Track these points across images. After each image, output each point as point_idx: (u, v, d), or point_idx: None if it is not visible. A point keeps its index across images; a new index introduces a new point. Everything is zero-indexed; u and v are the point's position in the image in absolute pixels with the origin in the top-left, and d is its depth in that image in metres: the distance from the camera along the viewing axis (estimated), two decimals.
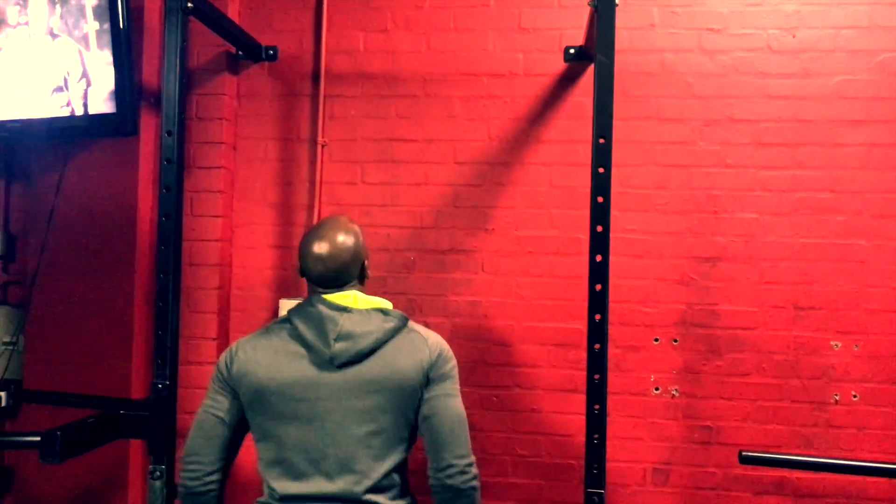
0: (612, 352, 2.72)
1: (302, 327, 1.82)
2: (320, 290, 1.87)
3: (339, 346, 1.78)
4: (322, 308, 1.82)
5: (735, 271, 2.74)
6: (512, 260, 2.84)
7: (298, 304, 1.89)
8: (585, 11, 2.30)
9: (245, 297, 2.94)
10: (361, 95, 2.93)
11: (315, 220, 2.88)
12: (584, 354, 2.13)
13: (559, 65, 2.83)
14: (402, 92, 2.90)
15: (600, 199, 2.11)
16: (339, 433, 1.78)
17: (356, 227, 1.92)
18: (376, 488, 1.78)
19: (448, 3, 2.87)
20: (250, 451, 1.90)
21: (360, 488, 1.76)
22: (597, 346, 2.09)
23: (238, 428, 1.87)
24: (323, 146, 2.91)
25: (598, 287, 2.10)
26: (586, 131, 2.21)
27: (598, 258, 2.10)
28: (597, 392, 2.08)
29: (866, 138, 2.70)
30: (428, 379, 1.84)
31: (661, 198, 2.78)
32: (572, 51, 2.80)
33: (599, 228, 2.11)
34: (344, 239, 1.86)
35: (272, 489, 1.81)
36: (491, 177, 2.87)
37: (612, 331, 2.71)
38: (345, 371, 1.79)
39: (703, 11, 2.78)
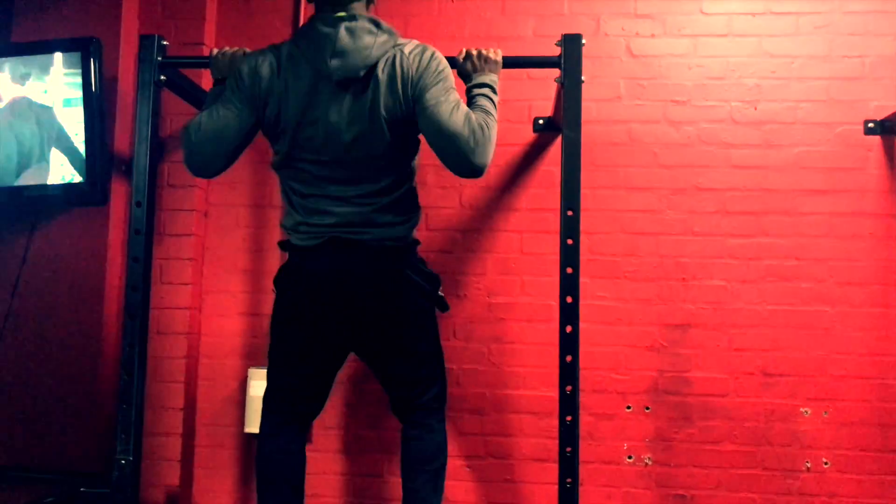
0: (585, 419, 2.71)
1: (302, 45, 1.94)
2: (325, 9, 1.96)
3: (335, 63, 1.88)
4: (319, 25, 1.92)
5: (705, 338, 2.76)
6: (484, 326, 2.84)
7: (300, 30, 2.00)
8: (554, 83, 2.36)
9: (213, 366, 2.89)
10: None
11: None
12: (556, 422, 2.12)
13: (529, 135, 2.88)
14: None
15: (570, 271, 2.13)
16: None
17: None
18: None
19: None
20: None
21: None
22: (568, 418, 2.09)
23: (246, 138, 2.06)
24: None
25: (569, 358, 2.11)
26: (556, 199, 2.25)
27: (569, 329, 2.12)
28: (569, 465, 2.07)
29: (828, 207, 2.76)
30: (414, 94, 1.93)
31: (631, 265, 2.81)
32: (541, 122, 2.86)
33: (569, 299, 2.13)
34: None
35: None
36: (463, 243, 2.89)
37: (585, 398, 2.71)
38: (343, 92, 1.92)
39: (667, 84, 2.87)
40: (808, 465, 2.69)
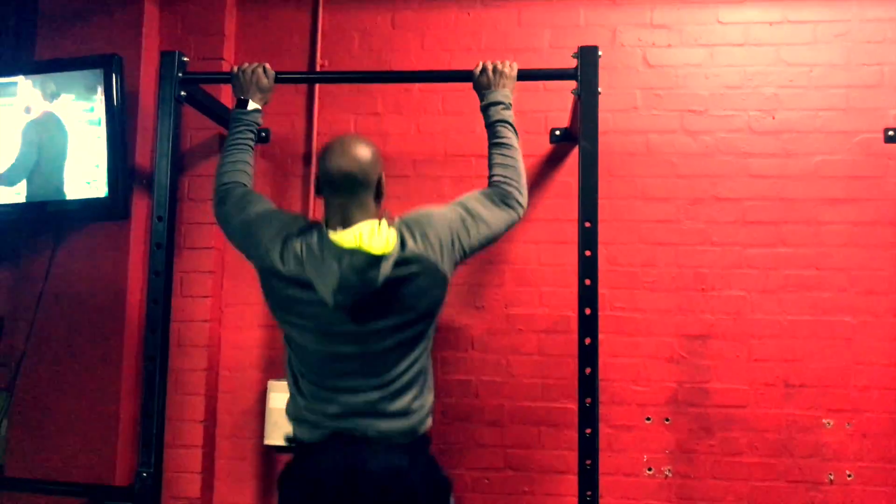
0: (605, 431, 2.69)
1: (310, 273, 1.80)
2: (333, 202, 1.85)
3: (339, 298, 1.77)
4: (325, 255, 1.78)
5: (725, 349, 2.74)
6: (502, 338, 2.84)
7: (308, 231, 1.86)
8: (570, 95, 2.36)
9: (233, 378, 2.91)
10: None
11: None
12: (576, 434, 2.11)
13: (545, 146, 2.89)
14: (393, 172, 2.94)
15: (588, 282, 2.13)
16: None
17: (373, 144, 1.91)
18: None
19: (437, 88, 2.94)
20: None
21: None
22: (588, 430, 2.08)
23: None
24: None
25: (588, 370, 2.10)
26: (573, 210, 2.25)
27: (588, 341, 2.12)
28: (588, 478, 2.06)
29: (848, 216, 2.74)
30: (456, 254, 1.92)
31: (649, 276, 2.80)
32: (558, 133, 2.86)
33: (588, 311, 2.13)
34: (362, 147, 1.86)
35: None
36: (481, 255, 2.85)
37: (604, 410, 2.70)
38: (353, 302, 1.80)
39: (684, 94, 2.86)
40: (832, 477, 2.66)
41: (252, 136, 2.22)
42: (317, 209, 2.95)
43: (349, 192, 1.83)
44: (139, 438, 2.23)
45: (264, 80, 2.26)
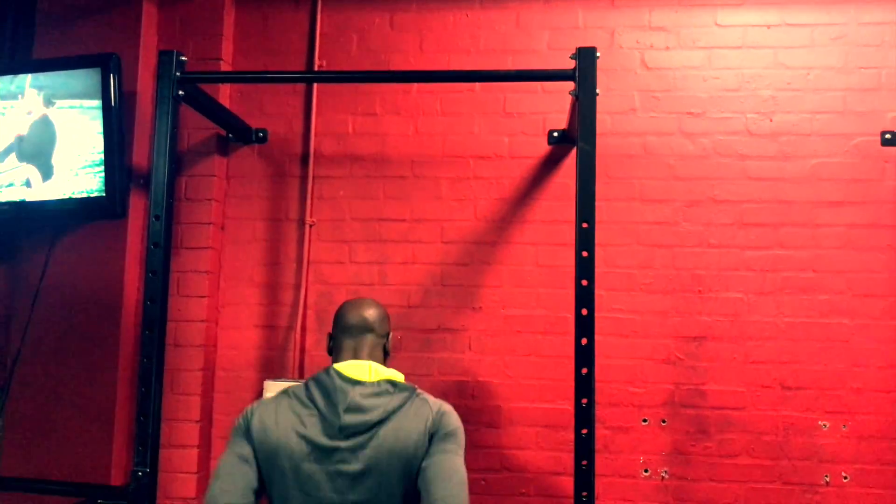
0: (601, 433, 2.70)
1: (316, 395, 1.83)
2: (345, 343, 1.91)
3: (348, 418, 1.78)
4: (336, 379, 1.83)
5: (721, 351, 2.74)
6: (499, 339, 2.84)
7: (313, 377, 1.89)
8: (568, 96, 2.36)
9: (229, 378, 2.91)
10: (350, 176, 2.97)
11: (302, 300, 2.89)
12: (572, 435, 2.11)
13: (543, 147, 2.89)
14: (391, 173, 2.95)
15: (585, 283, 2.13)
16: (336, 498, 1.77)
17: (382, 307, 2.02)
18: None
19: (435, 89, 2.94)
20: None
21: None
22: (584, 431, 2.08)
23: (261, 476, 1.82)
24: (311, 226, 2.94)
25: (584, 371, 2.10)
26: (571, 212, 2.25)
27: (584, 341, 2.11)
28: (584, 479, 2.06)
29: (846, 219, 2.75)
30: (430, 439, 1.82)
31: (646, 277, 2.80)
32: (556, 134, 2.86)
33: (584, 312, 2.12)
34: (375, 306, 1.98)
35: None
36: (478, 256, 2.89)
37: (600, 411, 2.70)
38: (353, 439, 1.78)
39: (682, 96, 2.87)
40: (828, 479, 2.66)
41: None
42: (313, 210, 2.95)
43: (361, 335, 1.92)
44: (135, 438, 2.21)
45: None
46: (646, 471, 2.73)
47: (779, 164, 2.80)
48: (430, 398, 1.90)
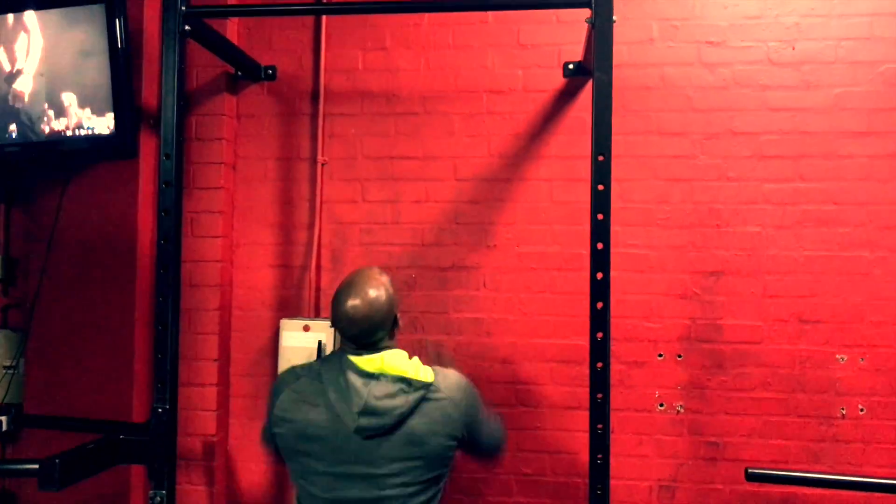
0: (616, 368, 2.70)
1: (332, 395, 1.82)
2: (350, 347, 1.88)
3: (363, 421, 1.79)
4: (350, 376, 1.82)
5: (739, 285, 2.72)
6: (514, 276, 2.83)
7: (329, 361, 1.89)
8: (584, 27, 2.29)
9: (246, 318, 2.93)
10: (361, 113, 2.92)
11: (316, 239, 2.87)
12: (587, 371, 2.11)
13: (558, 80, 2.82)
14: (402, 110, 2.90)
15: (600, 217, 2.09)
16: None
17: (386, 279, 1.94)
18: None
19: (447, 21, 2.87)
20: None
21: None
22: (599, 364, 2.07)
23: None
24: (323, 165, 2.91)
25: (600, 305, 2.08)
26: (586, 147, 2.19)
27: (599, 276, 2.09)
28: (599, 411, 2.06)
29: (868, 150, 2.68)
30: (467, 429, 1.89)
31: (663, 212, 2.76)
32: (571, 66, 2.79)
33: (600, 246, 2.09)
34: (376, 295, 1.87)
35: None
36: (492, 193, 2.86)
37: (616, 346, 2.70)
38: (371, 441, 1.81)
39: (702, 25, 2.78)
40: (844, 411, 2.66)
41: None
42: (325, 149, 2.91)
43: (361, 337, 1.86)
44: (154, 375, 2.24)
45: None
46: (661, 405, 2.74)
47: (800, 94, 2.72)
48: (444, 387, 1.86)
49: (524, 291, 2.81)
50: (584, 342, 2.65)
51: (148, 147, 2.80)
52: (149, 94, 2.80)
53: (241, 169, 2.95)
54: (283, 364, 2.78)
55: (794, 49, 2.73)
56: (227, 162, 2.90)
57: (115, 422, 2.71)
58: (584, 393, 2.37)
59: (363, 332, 1.86)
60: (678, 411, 2.73)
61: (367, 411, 1.78)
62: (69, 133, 2.67)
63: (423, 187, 2.87)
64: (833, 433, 2.66)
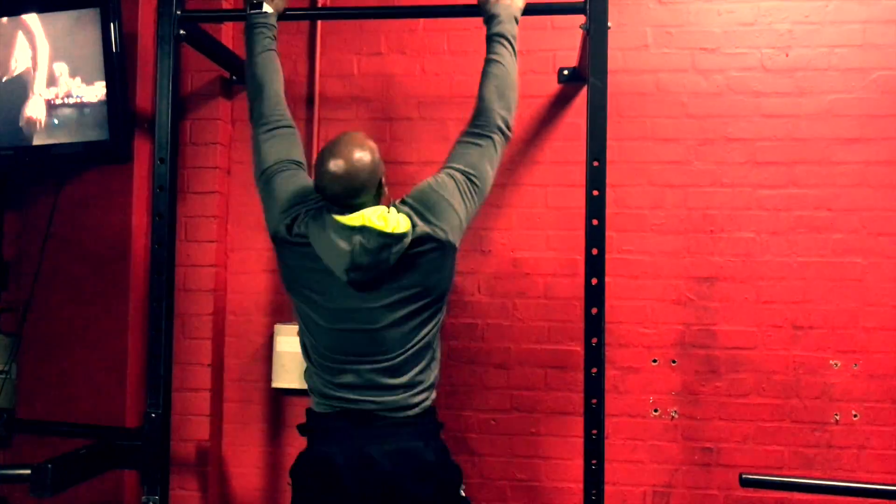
0: (611, 373, 2.70)
1: (319, 251, 1.83)
2: (334, 208, 1.83)
3: (353, 276, 1.81)
4: (333, 235, 1.80)
5: (733, 291, 2.72)
6: (509, 281, 2.83)
7: (315, 217, 1.85)
8: (579, 33, 2.30)
9: (240, 323, 2.92)
10: (356, 118, 2.92)
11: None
12: (582, 376, 2.11)
13: (553, 86, 2.83)
14: (397, 115, 2.90)
15: (595, 222, 2.10)
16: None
17: (372, 143, 1.87)
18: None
19: (442, 26, 2.87)
20: None
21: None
22: (594, 370, 2.08)
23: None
24: None
25: (595, 311, 2.09)
26: (581, 152, 2.20)
27: (594, 281, 2.10)
28: (594, 417, 2.06)
29: (862, 156, 2.69)
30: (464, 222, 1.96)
31: (657, 218, 2.77)
32: (566, 72, 2.80)
33: (595, 251, 2.10)
34: (360, 156, 1.80)
35: None
36: (487, 198, 2.85)
37: (610, 352, 2.70)
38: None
39: (696, 31, 2.79)
40: (838, 417, 2.67)
41: (275, 41, 2.18)
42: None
43: (343, 197, 1.81)
44: (147, 380, 2.23)
45: None
46: (655, 410, 2.74)
47: (794, 101, 2.73)
48: (421, 230, 1.85)
49: (519, 297, 2.81)
50: (578, 347, 2.68)
51: (142, 151, 2.79)
52: (143, 97, 2.79)
53: (235, 173, 2.95)
54: (277, 369, 2.78)
55: (787, 56, 2.74)
56: (222, 166, 2.90)
57: (108, 427, 2.69)
58: (578, 398, 2.37)
59: (346, 192, 1.79)
60: (672, 417, 2.73)
61: (354, 268, 1.79)
62: (64, 139, 2.66)
63: None
64: (827, 439, 2.67)
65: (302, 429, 2.01)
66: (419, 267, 1.86)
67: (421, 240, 1.85)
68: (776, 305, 2.70)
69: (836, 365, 2.67)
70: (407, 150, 2.88)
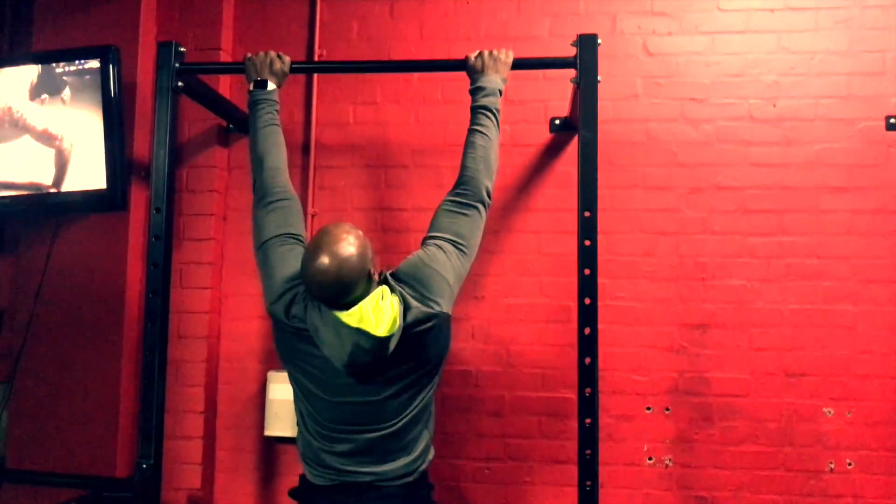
0: (605, 421, 2.69)
1: (318, 342, 1.80)
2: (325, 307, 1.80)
3: (350, 370, 1.80)
4: (331, 332, 1.77)
5: (725, 338, 2.73)
6: (502, 328, 2.84)
7: (312, 302, 1.81)
8: (570, 84, 2.34)
9: (233, 370, 2.91)
10: (351, 166, 2.96)
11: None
12: (576, 424, 2.11)
13: (545, 135, 2.87)
14: (392, 162, 2.94)
15: (587, 272, 2.12)
16: None
17: (358, 233, 1.80)
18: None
19: (436, 77, 2.92)
20: None
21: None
22: (587, 420, 2.08)
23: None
24: (313, 216, 2.93)
25: (588, 360, 2.09)
26: (573, 200, 2.23)
27: (587, 331, 2.11)
28: (588, 468, 2.06)
29: (850, 205, 2.73)
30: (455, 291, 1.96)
31: (649, 265, 2.79)
32: (557, 122, 2.85)
33: (588, 301, 2.12)
34: (348, 254, 1.73)
35: None
36: (480, 244, 2.86)
37: (604, 400, 2.69)
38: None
39: (685, 82, 2.84)
40: (832, 465, 2.66)
41: (278, 115, 2.21)
42: (316, 201, 2.94)
43: (335, 299, 1.76)
44: (139, 430, 2.22)
45: (277, 64, 2.23)
46: (650, 458, 2.73)
47: (782, 150, 2.78)
48: (414, 315, 1.84)
49: (512, 344, 2.82)
50: (572, 395, 2.67)
51: (139, 199, 2.81)
52: (141, 146, 2.82)
53: (231, 220, 2.97)
54: (270, 417, 2.77)
55: (775, 106, 2.80)
56: (218, 213, 2.92)
57: (99, 477, 2.66)
58: (572, 446, 2.37)
59: (337, 294, 1.74)
60: (667, 465, 2.72)
61: (352, 364, 1.78)
62: (63, 188, 2.68)
63: (413, 238, 2.89)
64: (822, 488, 2.65)
65: (293, 494, 2.01)
66: (417, 344, 1.86)
67: (418, 321, 1.84)
68: (769, 353, 2.71)
69: (830, 413, 2.68)
70: (401, 197, 2.91)
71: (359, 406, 1.88)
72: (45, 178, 2.70)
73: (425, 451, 1.97)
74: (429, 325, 1.86)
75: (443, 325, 1.91)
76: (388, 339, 1.77)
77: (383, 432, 1.89)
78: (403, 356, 1.84)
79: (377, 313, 1.75)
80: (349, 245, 1.74)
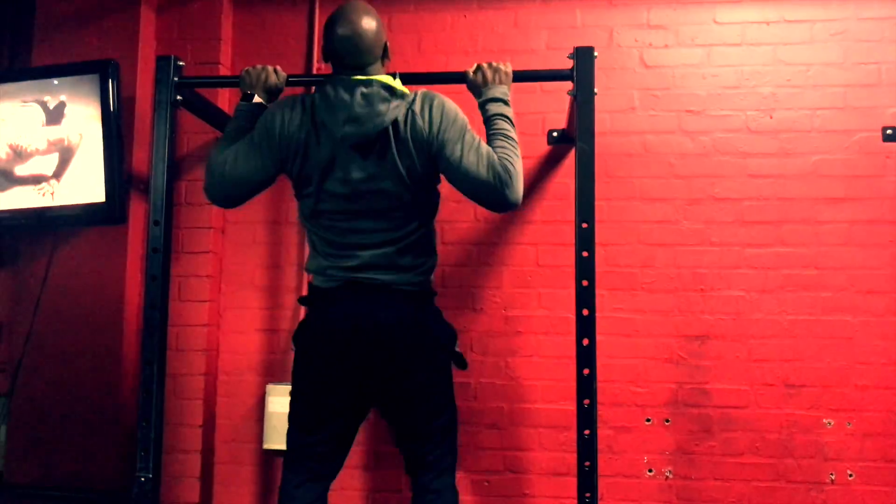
0: (604, 433, 2.69)
1: (322, 112, 1.94)
2: (343, 72, 1.97)
3: (347, 128, 1.90)
4: (339, 90, 1.92)
5: (724, 349, 2.73)
6: (501, 340, 2.84)
7: (322, 84, 1.99)
8: (567, 96, 2.35)
9: (232, 383, 2.91)
10: None
11: None
12: (575, 436, 2.10)
13: (543, 147, 2.88)
14: None
15: (585, 283, 2.12)
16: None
17: (374, 11, 2.00)
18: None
19: (433, 90, 2.92)
20: None
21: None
22: (586, 431, 2.07)
23: (269, 184, 2.10)
24: None
25: (586, 371, 2.09)
26: (571, 211, 2.23)
27: (585, 342, 2.10)
28: (587, 480, 2.05)
29: (847, 215, 2.74)
30: (432, 151, 1.97)
31: (648, 276, 2.79)
32: (555, 134, 2.86)
33: (585, 312, 2.12)
34: (367, 20, 1.96)
35: None
36: (478, 257, 2.89)
37: (604, 411, 2.69)
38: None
39: (682, 94, 2.86)
40: (833, 477, 2.65)
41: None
42: None
43: (351, 56, 1.95)
44: (138, 443, 2.21)
45: (273, 79, 2.22)
46: (650, 470, 2.72)
47: (779, 161, 2.79)
48: (418, 99, 1.97)
49: (511, 355, 2.82)
50: (571, 407, 2.64)
51: (137, 211, 2.82)
52: (139, 160, 2.84)
53: (229, 233, 2.97)
54: (270, 430, 2.76)
55: (771, 118, 2.81)
56: (216, 226, 2.92)
57: (98, 490, 2.66)
58: (572, 458, 2.36)
59: (357, 52, 1.94)
60: (667, 477, 2.71)
61: (351, 119, 1.89)
62: (62, 201, 2.69)
63: None
64: (823, 499, 2.64)
65: (302, 300, 2.14)
66: (407, 142, 1.93)
67: (414, 117, 1.93)
68: (768, 364, 2.71)
69: (830, 424, 2.67)
70: None
71: (362, 219, 1.97)
72: (43, 192, 2.71)
73: (428, 271, 2.07)
74: (420, 130, 1.93)
75: (430, 148, 1.96)
76: (390, 89, 1.92)
77: (389, 250, 1.98)
78: (395, 144, 1.93)
79: (389, 81, 1.95)
80: (368, 15, 1.98)
